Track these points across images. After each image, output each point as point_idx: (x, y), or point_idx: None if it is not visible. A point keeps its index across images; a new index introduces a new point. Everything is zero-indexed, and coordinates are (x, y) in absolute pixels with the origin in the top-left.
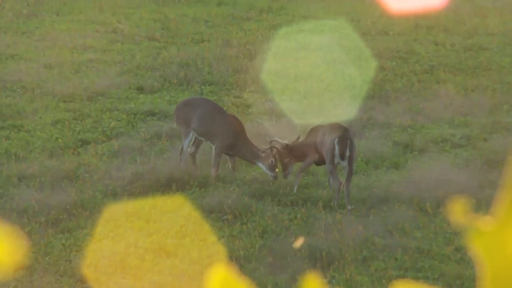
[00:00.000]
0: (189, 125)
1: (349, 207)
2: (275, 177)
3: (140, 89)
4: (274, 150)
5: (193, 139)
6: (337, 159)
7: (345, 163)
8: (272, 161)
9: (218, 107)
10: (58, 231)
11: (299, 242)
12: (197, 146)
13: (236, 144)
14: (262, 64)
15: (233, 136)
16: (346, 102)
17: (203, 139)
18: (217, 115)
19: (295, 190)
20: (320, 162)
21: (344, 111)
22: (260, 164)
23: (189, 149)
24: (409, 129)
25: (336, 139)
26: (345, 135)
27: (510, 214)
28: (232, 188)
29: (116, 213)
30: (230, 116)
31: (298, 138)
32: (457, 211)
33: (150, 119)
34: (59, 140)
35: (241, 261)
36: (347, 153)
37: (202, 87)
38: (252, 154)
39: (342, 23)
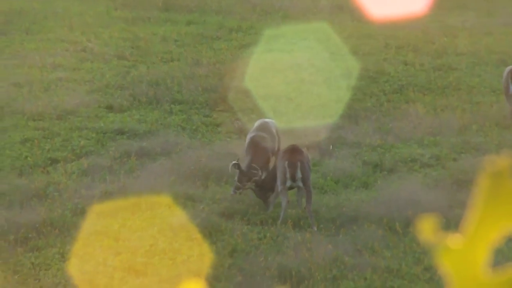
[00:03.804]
0: None
1: (314, 228)
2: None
3: (110, 108)
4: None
5: None
6: (289, 182)
7: (299, 184)
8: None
9: None
10: (27, 250)
11: None
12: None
13: None
14: (231, 83)
15: None
16: (315, 121)
17: None
18: None
19: (269, 210)
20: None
21: (314, 130)
22: None
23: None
24: (378, 148)
25: (286, 162)
26: (294, 157)
27: (478, 232)
28: (201, 207)
29: (85, 231)
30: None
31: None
32: (426, 229)
33: (120, 138)
34: (28, 158)
35: (210, 280)
36: (298, 175)
37: (172, 106)
38: None
39: (311, 43)
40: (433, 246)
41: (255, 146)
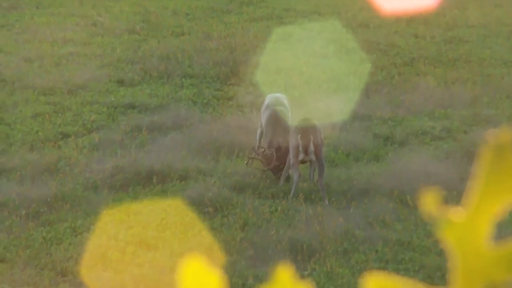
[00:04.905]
0: None
1: (326, 202)
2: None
3: (121, 82)
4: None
5: None
6: (301, 155)
7: (312, 158)
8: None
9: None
10: (39, 224)
11: None
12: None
13: None
14: (242, 57)
15: None
16: (326, 94)
17: None
18: None
19: (281, 183)
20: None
21: (325, 103)
22: None
23: None
24: (389, 121)
25: (299, 135)
26: (307, 131)
27: (481, 206)
28: (212, 181)
29: (97, 206)
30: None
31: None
32: (429, 202)
33: (131, 112)
34: (40, 133)
35: (222, 253)
36: (311, 148)
37: (183, 80)
38: None
39: (322, 16)
40: (436, 219)
41: (275, 121)
